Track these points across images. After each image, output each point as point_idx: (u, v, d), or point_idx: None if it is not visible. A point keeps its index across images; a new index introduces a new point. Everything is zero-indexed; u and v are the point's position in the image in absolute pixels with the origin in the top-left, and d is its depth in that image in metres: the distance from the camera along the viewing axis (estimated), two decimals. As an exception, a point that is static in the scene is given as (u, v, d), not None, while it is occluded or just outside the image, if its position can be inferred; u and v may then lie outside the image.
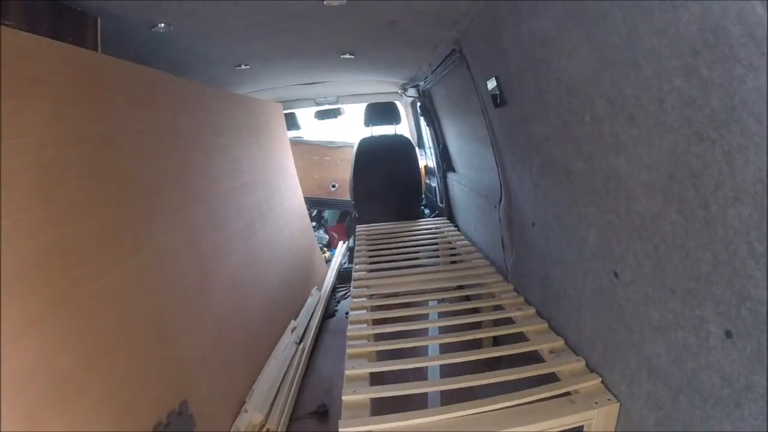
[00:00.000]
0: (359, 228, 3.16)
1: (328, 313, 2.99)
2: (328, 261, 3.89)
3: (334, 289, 3.37)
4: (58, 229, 1.03)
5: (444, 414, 1.11)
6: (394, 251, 2.58)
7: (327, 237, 4.57)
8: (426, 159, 4.05)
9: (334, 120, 4.48)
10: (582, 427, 1.13)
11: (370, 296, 1.96)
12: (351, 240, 4.29)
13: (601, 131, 0.97)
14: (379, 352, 1.50)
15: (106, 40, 1.40)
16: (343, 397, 1.21)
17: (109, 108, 1.30)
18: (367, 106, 3.60)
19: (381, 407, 1.19)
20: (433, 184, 3.80)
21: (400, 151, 3.51)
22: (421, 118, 3.60)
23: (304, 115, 4.58)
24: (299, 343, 2.33)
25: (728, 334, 0.75)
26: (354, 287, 2.05)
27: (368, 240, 2.86)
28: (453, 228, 3.01)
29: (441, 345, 1.79)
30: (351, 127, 4.97)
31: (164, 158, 1.59)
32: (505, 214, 1.92)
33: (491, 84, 1.61)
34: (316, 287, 3.11)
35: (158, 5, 1.33)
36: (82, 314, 1.05)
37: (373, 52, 2.32)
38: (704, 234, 0.76)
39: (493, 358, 1.43)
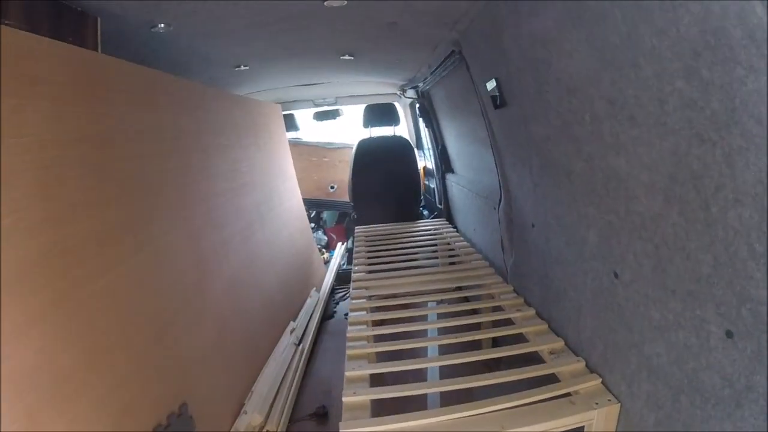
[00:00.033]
0: (358, 229, 3.16)
1: (327, 315, 2.99)
2: (327, 262, 3.89)
3: (333, 291, 3.37)
4: (58, 229, 1.03)
5: (445, 415, 1.11)
6: (393, 252, 2.58)
7: (326, 238, 4.56)
8: (425, 160, 4.05)
9: (332, 121, 4.48)
10: (583, 427, 1.13)
11: (370, 297, 1.96)
12: (350, 241, 4.29)
13: (601, 131, 0.97)
14: (378, 353, 1.49)
15: (106, 40, 1.40)
16: (344, 399, 1.21)
17: (109, 108, 1.30)
18: (366, 107, 3.61)
19: (381, 408, 1.19)
20: (432, 185, 3.80)
21: (399, 152, 3.51)
22: (420, 120, 3.61)
23: (303, 116, 4.59)
24: (298, 345, 2.32)
25: (729, 335, 0.76)
26: (353, 288, 2.05)
27: (367, 241, 2.86)
28: (452, 229, 3.02)
29: (441, 346, 1.79)
30: (349, 129, 4.98)
31: (164, 158, 1.59)
32: (504, 215, 1.92)
33: (491, 85, 1.61)
34: (314, 288, 3.10)
35: (158, 5, 1.33)
36: (82, 314, 1.05)
37: (373, 53, 2.32)
38: (705, 235, 0.76)
39: (492, 359, 1.43)
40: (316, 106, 4.10)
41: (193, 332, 1.53)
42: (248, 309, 2.04)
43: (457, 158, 3.05)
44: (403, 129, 4.07)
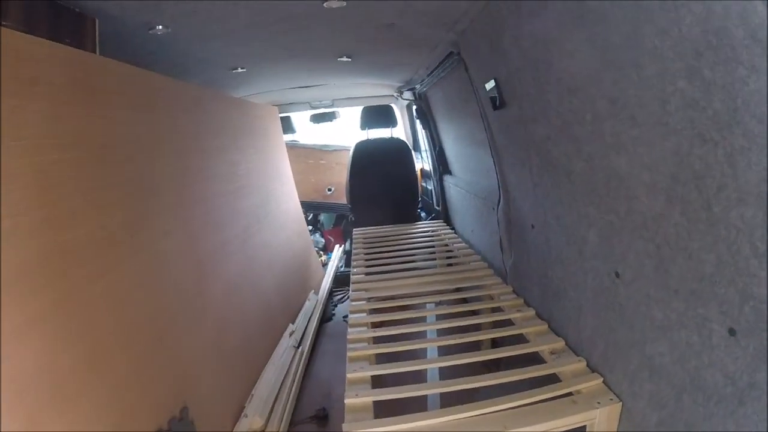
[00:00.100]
0: (356, 231, 3.16)
1: (326, 317, 2.98)
2: (325, 265, 3.88)
3: (331, 293, 3.36)
4: (58, 231, 1.02)
5: (447, 416, 1.11)
6: (391, 254, 2.58)
7: (323, 241, 4.55)
8: (422, 162, 4.06)
9: (329, 123, 4.48)
10: (584, 427, 1.13)
11: (369, 299, 1.96)
12: (347, 243, 4.29)
13: (602, 131, 0.98)
14: (378, 355, 1.49)
15: (104, 41, 1.39)
16: (346, 401, 1.21)
17: (108, 110, 1.29)
18: (364, 109, 3.61)
19: (380, 410, 1.19)
20: (429, 187, 3.81)
21: (397, 154, 3.51)
22: (417, 121, 3.61)
23: (300, 118, 4.58)
24: (297, 347, 2.31)
25: (731, 333, 0.76)
26: (352, 290, 2.05)
27: (365, 243, 2.86)
28: (450, 231, 3.02)
29: (441, 347, 1.79)
30: (346, 131, 4.98)
31: (162, 160, 1.58)
32: (503, 216, 1.93)
33: (490, 86, 1.62)
34: (313, 291, 3.09)
35: (157, 6, 1.33)
36: (82, 316, 1.04)
37: (371, 54, 2.33)
38: (707, 235, 0.77)
39: (493, 360, 1.44)
40: (313, 108, 4.10)
41: (193, 335, 1.52)
42: (247, 311, 2.03)
43: (455, 160, 3.05)
44: (400, 131, 4.07)
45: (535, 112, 1.31)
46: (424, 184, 4.04)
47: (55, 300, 0.97)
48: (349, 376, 1.32)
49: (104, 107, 1.28)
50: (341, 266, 3.90)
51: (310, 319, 2.71)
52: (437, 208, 3.50)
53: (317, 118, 4.37)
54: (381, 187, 3.43)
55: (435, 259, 2.80)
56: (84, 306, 1.05)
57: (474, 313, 1.85)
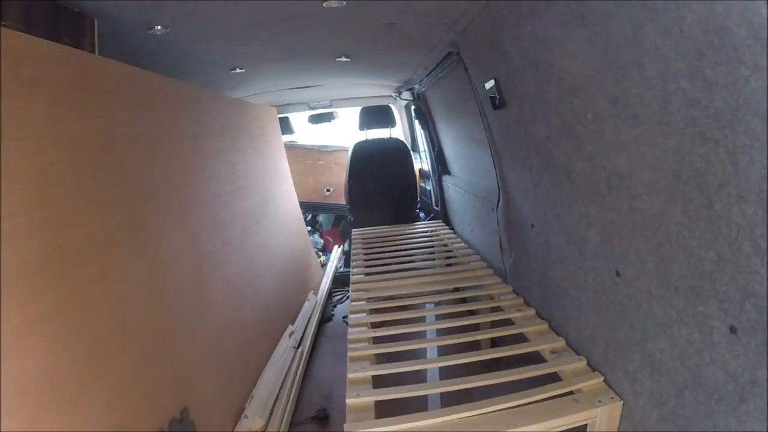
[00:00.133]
0: (355, 232, 3.16)
1: (325, 318, 2.98)
2: (324, 265, 3.87)
3: (330, 294, 3.36)
4: (58, 233, 1.02)
5: (449, 415, 1.11)
6: (391, 255, 2.58)
7: (322, 241, 4.55)
8: (420, 162, 4.06)
9: (327, 124, 4.48)
10: (586, 426, 1.14)
11: (369, 299, 1.96)
12: (346, 244, 4.28)
13: (603, 130, 0.98)
14: (378, 355, 1.49)
15: (102, 41, 1.38)
16: (347, 401, 1.21)
17: (107, 110, 1.29)
18: (362, 109, 3.61)
19: (380, 410, 1.18)
20: (428, 187, 3.81)
21: (395, 154, 3.52)
22: (416, 122, 3.62)
23: (298, 119, 4.58)
24: (297, 348, 2.31)
25: (732, 330, 0.76)
26: (352, 290, 2.05)
27: (364, 243, 2.86)
28: (449, 231, 3.03)
29: (441, 347, 1.79)
30: (345, 131, 4.98)
31: (161, 161, 1.58)
32: (503, 216, 1.93)
33: (489, 85, 1.62)
34: (312, 291, 3.09)
35: (157, 6, 1.33)
36: (82, 319, 1.04)
37: (370, 54, 2.33)
38: (708, 232, 0.77)
39: (492, 360, 1.44)
40: (311, 109, 4.09)
41: (193, 335, 1.51)
42: (246, 312, 2.03)
43: (454, 160, 3.06)
44: (398, 131, 4.07)
45: (536, 111, 1.31)
46: (422, 185, 4.05)
47: (55, 300, 0.96)
48: (350, 376, 1.32)
49: (103, 107, 1.27)
50: (340, 267, 3.90)
51: (309, 319, 2.71)
52: (436, 208, 3.51)
53: (315, 119, 4.37)
54: (380, 187, 3.43)
55: (434, 259, 2.80)
56: (84, 307, 1.05)
57: (474, 312, 1.85)
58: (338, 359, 2.37)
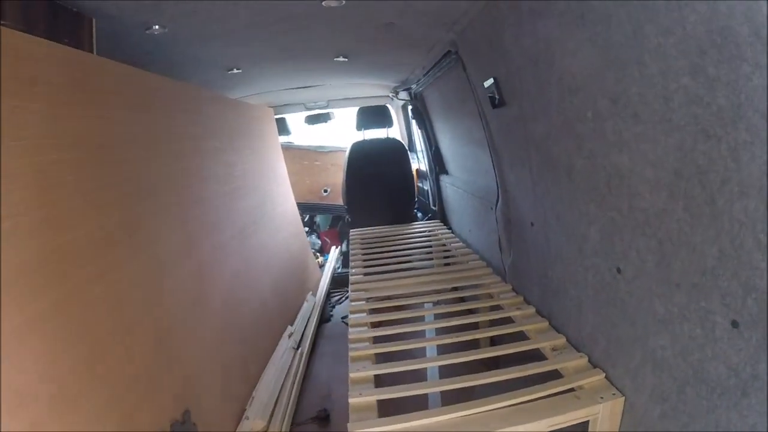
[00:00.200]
0: (353, 232, 3.16)
1: (324, 318, 2.97)
2: (322, 266, 3.87)
3: (328, 294, 3.35)
4: (58, 233, 1.01)
5: (451, 413, 1.11)
6: (389, 255, 2.58)
7: (320, 242, 4.55)
8: (418, 162, 4.07)
9: (324, 124, 4.48)
10: (587, 422, 1.14)
11: (369, 299, 1.96)
12: (344, 245, 4.28)
13: (604, 129, 0.99)
14: (377, 355, 1.49)
15: (100, 41, 1.38)
16: (350, 400, 1.20)
17: (106, 111, 1.28)
18: (359, 109, 3.61)
19: (380, 409, 1.18)
20: (425, 187, 3.82)
21: (393, 154, 3.52)
22: (413, 121, 3.62)
23: (295, 120, 4.57)
24: (297, 349, 2.30)
25: (734, 325, 0.77)
26: (352, 291, 2.04)
27: (363, 244, 2.86)
28: (447, 230, 3.03)
29: (442, 346, 1.80)
30: (341, 132, 4.98)
31: (160, 161, 1.57)
32: (502, 215, 1.94)
33: (488, 85, 1.63)
34: (311, 292, 3.09)
35: (155, 6, 1.32)
36: (82, 320, 1.03)
37: (368, 54, 2.33)
38: (710, 229, 0.78)
39: (491, 359, 1.44)
40: (308, 109, 4.09)
41: (193, 336, 1.51)
42: (246, 313, 2.02)
43: (452, 159, 3.07)
44: (395, 131, 4.08)
45: (536, 110, 1.32)
46: (420, 185, 4.05)
47: (55, 300, 0.96)
48: (351, 375, 1.32)
49: (102, 107, 1.27)
50: (338, 267, 3.89)
51: (308, 320, 2.71)
52: (434, 208, 3.51)
53: (312, 120, 4.37)
54: (378, 187, 3.43)
55: (432, 259, 2.80)
56: (84, 307, 1.04)
57: (474, 311, 1.85)
58: (337, 360, 2.37)
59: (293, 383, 2.00)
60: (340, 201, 4.03)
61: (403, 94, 3.42)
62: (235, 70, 2.35)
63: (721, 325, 0.80)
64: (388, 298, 1.98)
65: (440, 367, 1.70)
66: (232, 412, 1.62)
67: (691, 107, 0.74)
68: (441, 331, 1.76)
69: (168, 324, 1.38)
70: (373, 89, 3.66)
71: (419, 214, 3.93)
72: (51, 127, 1.04)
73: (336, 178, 4.36)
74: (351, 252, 2.72)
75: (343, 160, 3.67)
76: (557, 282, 1.47)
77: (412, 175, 3.63)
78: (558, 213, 1.39)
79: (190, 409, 1.32)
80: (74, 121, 1.13)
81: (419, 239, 2.92)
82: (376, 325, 1.70)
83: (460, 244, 2.65)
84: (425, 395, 1.54)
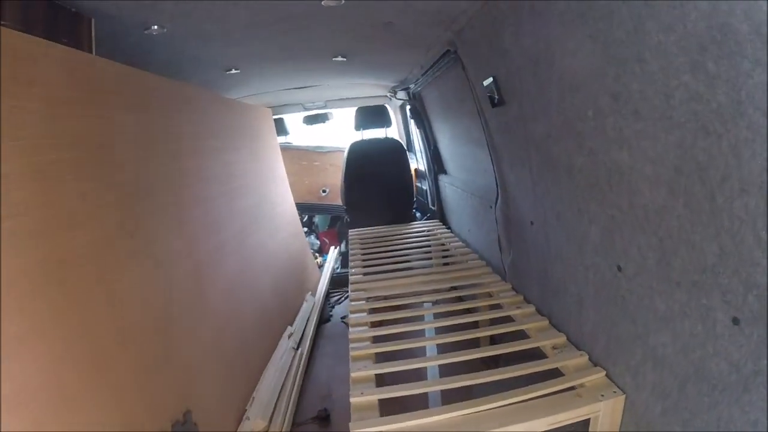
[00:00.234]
0: (352, 232, 3.16)
1: (324, 318, 2.97)
2: (321, 266, 3.87)
3: (327, 295, 3.35)
4: (58, 233, 1.01)
5: (453, 412, 1.12)
6: (389, 254, 2.58)
7: (318, 242, 4.54)
8: (416, 162, 4.07)
9: (322, 125, 4.48)
10: (589, 420, 1.15)
11: (369, 299, 1.95)
12: (343, 245, 4.28)
13: (605, 126, 0.99)
14: (378, 354, 1.49)
15: (99, 41, 1.37)
16: (351, 399, 1.20)
17: (105, 111, 1.28)
18: (358, 109, 3.61)
19: (381, 409, 1.18)
20: (424, 186, 3.82)
21: (392, 154, 3.52)
22: (411, 121, 3.62)
23: (293, 120, 4.57)
24: (297, 349, 2.30)
25: (735, 321, 0.77)
26: (352, 290, 2.04)
27: (362, 244, 2.86)
28: (446, 230, 3.04)
29: (443, 345, 1.80)
30: (339, 132, 4.98)
31: (160, 161, 1.57)
32: (501, 214, 1.94)
33: (488, 84, 1.63)
34: (310, 293, 3.08)
35: (155, 6, 1.32)
36: (83, 322, 1.03)
37: (366, 54, 2.33)
38: (710, 225, 0.78)
39: (491, 357, 1.44)
40: (306, 109, 4.09)
41: (194, 337, 1.50)
42: (245, 313, 2.02)
43: (450, 159, 3.07)
44: (392, 131, 4.08)
45: (536, 109, 1.32)
46: (418, 184, 4.06)
47: (56, 301, 0.96)
48: (353, 375, 1.32)
49: (101, 107, 1.26)
50: (337, 268, 3.89)
51: (308, 320, 2.70)
52: (432, 207, 3.51)
53: (310, 120, 4.37)
54: (376, 187, 3.43)
55: (431, 258, 2.81)
56: (84, 307, 1.04)
57: (474, 310, 1.85)
58: (337, 360, 2.37)
59: (293, 383, 2.00)
60: (338, 201, 4.03)
61: (402, 94, 3.42)
62: (234, 71, 2.35)
63: (722, 322, 0.80)
64: (388, 297, 1.98)
65: (440, 366, 1.70)
66: (233, 413, 1.61)
67: (691, 104, 0.74)
68: (441, 331, 1.76)
69: (169, 324, 1.37)
70: (372, 89, 3.66)
71: (417, 214, 3.93)
72: (50, 127, 1.04)
73: (334, 178, 4.36)
74: (350, 252, 2.72)
75: (341, 160, 3.67)
76: (557, 280, 1.47)
77: (411, 175, 3.63)
78: (558, 211, 1.39)
79: (191, 410, 1.31)
80: (73, 121, 1.12)
81: (418, 239, 2.92)
82: (376, 324, 1.70)
83: (459, 243, 2.65)
84: (425, 394, 1.54)
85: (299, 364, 2.18)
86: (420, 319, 1.87)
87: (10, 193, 0.89)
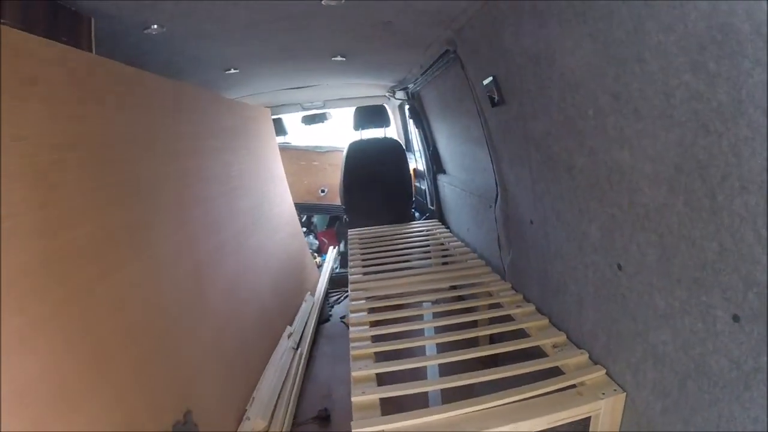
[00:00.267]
0: (351, 232, 3.16)
1: (323, 318, 2.97)
2: (319, 266, 3.86)
3: (327, 294, 3.35)
4: (59, 234, 1.01)
5: (455, 410, 1.12)
6: (388, 254, 2.59)
7: (317, 242, 4.54)
8: (414, 162, 4.08)
9: (321, 125, 4.47)
10: (589, 418, 1.15)
11: (369, 298, 1.96)
12: (342, 245, 4.28)
13: (605, 126, 1.00)
14: (377, 353, 1.49)
15: (98, 41, 1.37)
16: (353, 399, 1.20)
17: (106, 110, 1.28)
18: (357, 109, 3.61)
19: (382, 408, 1.18)
20: (422, 186, 3.83)
21: (391, 154, 3.52)
22: (410, 121, 3.63)
23: (291, 120, 4.56)
24: (296, 349, 2.30)
25: (735, 318, 0.78)
26: (351, 290, 2.04)
27: (361, 243, 2.86)
28: (444, 229, 3.04)
29: (443, 344, 1.80)
30: (338, 132, 4.98)
31: (159, 161, 1.57)
32: (501, 213, 1.94)
33: (488, 83, 1.63)
34: (309, 292, 3.08)
35: (154, 5, 1.31)
36: (84, 322, 1.02)
37: (365, 54, 2.33)
38: (711, 223, 0.79)
39: (491, 356, 1.45)
40: (305, 109, 4.09)
41: (194, 337, 1.50)
42: (245, 313, 2.02)
43: (450, 159, 3.07)
44: (391, 131, 4.08)
45: (536, 108, 1.33)
46: (417, 184, 4.06)
47: (57, 301, 0.95)
48: (354, 374, 1.32)
49: (102, 107, 1.26)
50: (336, 268, 3.89)
51: (307, 320, 2.70)
52: (431, 207, 3.52)
53: (309, 120, 4.36)
54: (375, 187, 3.44)
55: (430, 258, 2.81)
56: (86, 307, 1.04)
57: (474, 309, 1.86)
58: (337, 360, 2.37)
59: (293, 383, 2.00)
60: (337, 201, 4.03)
61: (400, 94, 3.43)
62: (233, 70, 2.35)
63: (722, 319, 0.81)
64: (388, 297, 1.98)
65: (440, 365, 1.71)
66: (233, 413, 1.61)
67: (691, 103, 0.75)
68: (440, 330, 1.76)
69: (169, 325, 1.37)
70: (370, 89, 3.67)
71: (416, 214, 3.93)
72: (51, 127, 1.04)
73: (333, 178, 4.36)
74: (350, 252, 2.72)
75: (340, 160, 3.66)
76: (557, 279, 1.47)
77: (410, 174, 3.64)
78: (558, 210, 1.39)
79: (191, 410, 1.31)
80: (74, 120, 1.12)
81: (417, 239, 2.93)
82: (375, 324, 1.70)
83: (459, 243, 2.66)
84: (424, 394, 1.55)
85: (299, 363, 2.18)
86: (420, 318, 1.88)
87: (12, 192, 0.89)
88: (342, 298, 3.28)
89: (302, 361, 2.24)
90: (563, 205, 1.34)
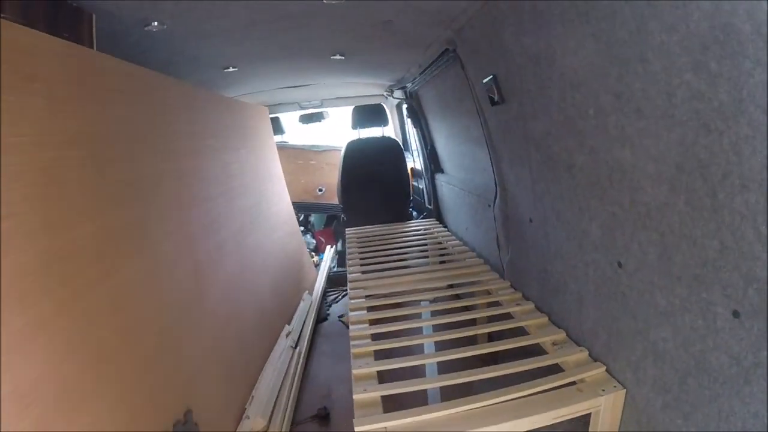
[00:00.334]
0: (349, 231, 3.16)
1: (321, 317, 2.97)
2: (317, 265, 3.86)
3: (324, 293, 3.35)
4: (59, 234, 1.00)
5: (456, 408, 1.12)
6: (386, 253, 2.59)
7: (314, 242, 4.53)
8: (412, 161, 4.08)
9: (318, 123, 4.47)
10: (590, 414, 1.16)
11: (368, 297, 1.96)
12: (339, 244, 4.28)
13: (606, 125, 1.01)
14: (377, 351, 1.49)
15: (99, 38, 1.36)
16: (354, 396, 1.21)
17: (106, 108, 1.26)
18: (355, 108, 3.61)
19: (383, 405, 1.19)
20: (420, 185, 3.83)
21: (389, 153, 3.53)
22: (408, 120, 3.63)
23: (289, 119, 4.55)
24: (295, 348, 2.30)
25: (736, 315, 0.79)
26: (350, 289, 2.05)
27: (359, 242, 2.86)
28: (443, 229, 3.05)
29: (443, 342, 1.80)
30: (336, 131, 4.97)
31: (159, 160, 1.56)
32: (500, 212, 1.95)
33: (487, 83, 1.64)
34: (307, 291, 3.08)
35: (155, 3, 1.31)
36: (84, 322, 1.01)
37: (364, 53, 2.33)
38: (711, 221, 0.80)
39: (491, 354, 1.45)
40: (302, 108, 4.08)
41: (194, 337, 1.50)
42: (244, 313, 2.01)
43: (448, 158, 3.08)
44: (389, 130, 4.09)
45: (536, 107, 1.33)
46: (414, 183, 4.07)
47: (58, 301, 0.94)
48: (355, 372, 1.32)
49: (102, 104, 1.25)
50: (334, 267, 3.89)
51: (305, 319, 2.70)
52: (429, 206, 3.52)
53: (306, 119, 4.35)
54: (373, 186, 3.44)
55: (428, 257, 2.82)
56: (87, 307, 1.03)
57: (473, 308, 1.87)
58: (335, 358, 2.37)
59: (292, 382, 2.00)
60: (334, 200, 4.02)
61: (398, 93, 3.43)
62: (231, 69, 2.34)
63: (723, 316, 0.82)
64: (387, 295, 1.98)
65: (440, 363, 1.71)
66: (233, 412, 1.61)
67: (693, 102, 0.75)
68: (440, 328, 1.76)
69: (169, 325, 1.37)
70: (368, 88, 3.67)
71: (414, 213, 3.94)
72: (51, 124, 1.03)
73: (331, 177, 4.36)
74: (348, 250, 2.72)
75: (338, 159, 3.66)
76: (557, 278, 1.48)
77: (408, 173, 3.64)
78: (558, 209, 1.40)
79: (191, 409, 1.31)
80: (75, 117, 1.11)
81: (415, 238, 2.93)
82: (375, 322, 1.70)
83: (457, 241, 2.67)
84: (424, 392, 1.55)
85: (298, 362, 2.18)
86: (419, 316, 1.88)
87: (12, 191, 0.88)
88: (340, 297, 3.28)
89: (301, 359, 2.24)
90: (563, 204, 1.35)
